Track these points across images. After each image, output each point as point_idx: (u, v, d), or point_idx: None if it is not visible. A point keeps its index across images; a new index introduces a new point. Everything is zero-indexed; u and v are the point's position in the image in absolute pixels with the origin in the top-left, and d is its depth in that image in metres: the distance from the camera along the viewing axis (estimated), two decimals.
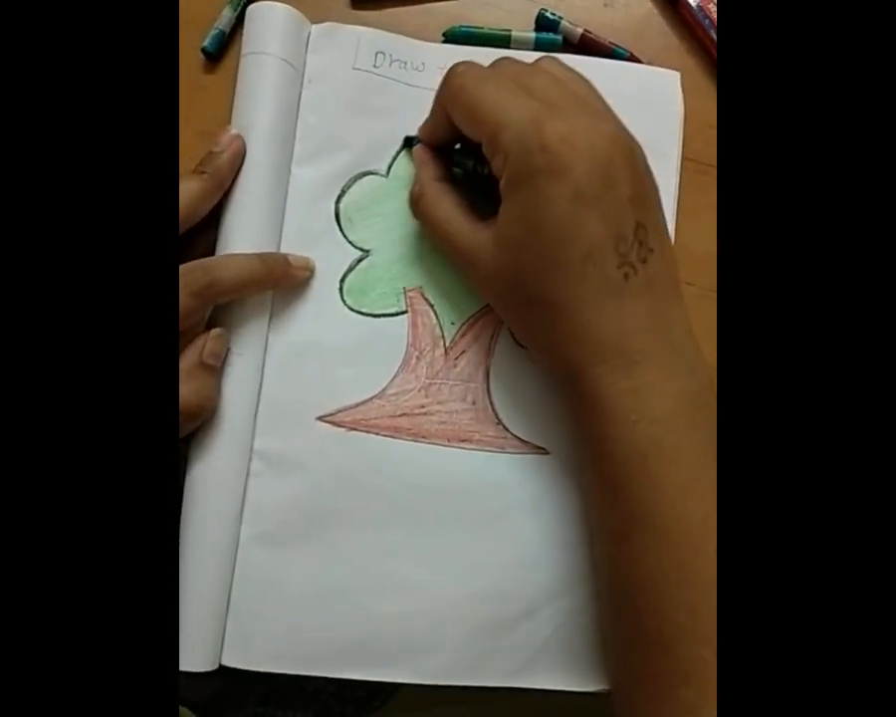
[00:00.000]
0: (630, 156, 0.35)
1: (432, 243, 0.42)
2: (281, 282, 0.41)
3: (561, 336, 0.35)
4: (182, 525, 0.40)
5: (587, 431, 0.36)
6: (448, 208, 0.39)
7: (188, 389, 0.37)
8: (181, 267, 0.37)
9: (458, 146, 0.42)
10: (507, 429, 0.42)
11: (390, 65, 0.44)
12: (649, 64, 0.47)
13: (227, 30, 0.46)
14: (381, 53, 0.44)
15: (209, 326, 0.40)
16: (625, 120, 0.40)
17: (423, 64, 0.45)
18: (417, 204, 0.40)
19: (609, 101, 0.40)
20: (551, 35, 0.47)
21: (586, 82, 0.38)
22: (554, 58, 0.39)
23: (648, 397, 0.34)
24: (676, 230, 0.44)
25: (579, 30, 0.47)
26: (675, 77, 0.46)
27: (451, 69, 0.38)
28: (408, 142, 0.44)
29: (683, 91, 0.46)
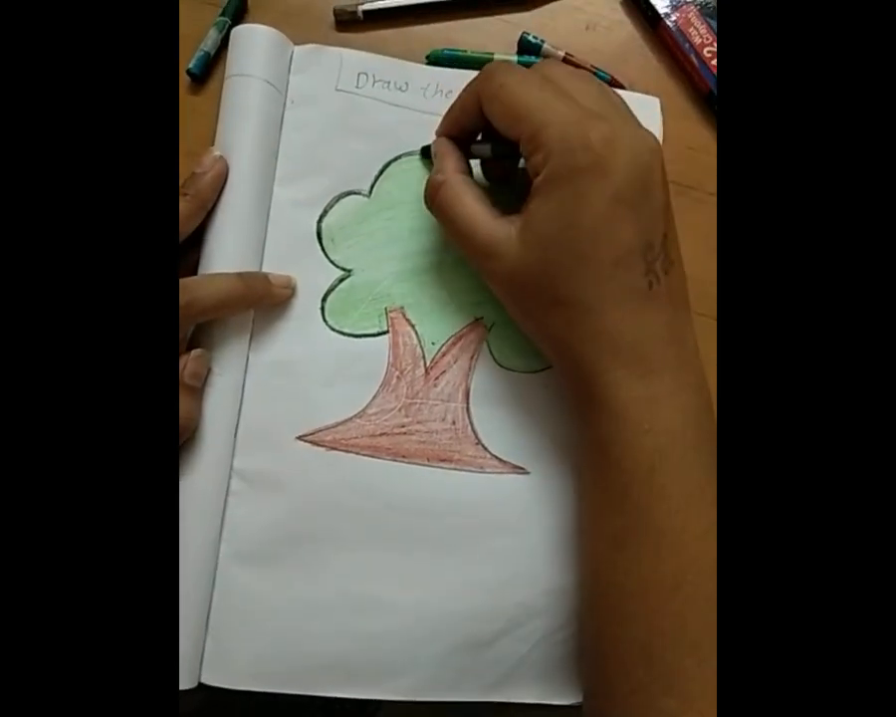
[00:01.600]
0: (664, 169, 0.37)
1: (449, 237, 0.42)
2: (262, 301, 0.42)
3: (581, 337, 0.36)
4: None
5: (595, 435, 0.37)
6: (470, 200, 0.39)
7: None
8: None
9: (479, 138, 0.43)
10: (486, 449, 0.44)
11: (373, 85, 0.46)
12: (630, 86, 0.49)
13: (212, 51, 0.48)
14: (364, 74, 0.46)
15: (190, 345, 0.41)
16: None
17: (406, 83, 0.46)
18: (437, 193, 0.40)
19: None
20: (533, 58, 0.48)
21: (620, 96, 0.39)
22: (588, 72, 0.40)
23: (661, 408, 0.35)
24: None
25: (561, 53, 0.48)
26: (655, 103, 0.47)
27: (491, 65, 0.39)
28: (425, 152, 0.45)
29: (664, 113, 0.48)
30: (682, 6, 0.49)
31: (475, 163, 0.43)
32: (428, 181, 0.41)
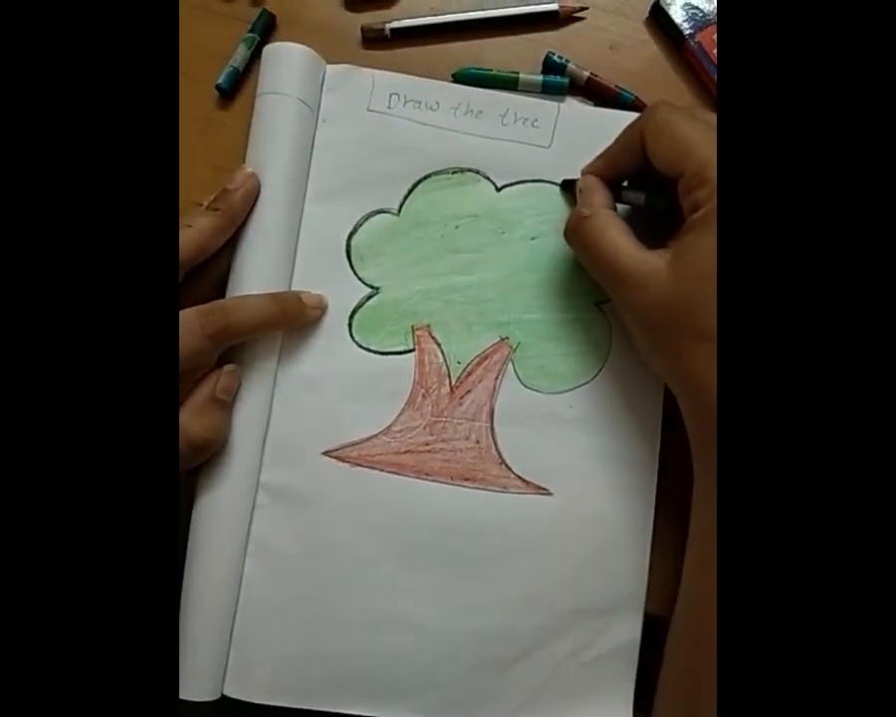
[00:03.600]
0: None
1: (589, 267, 0.43)
2: (295, 321, 0.44)
3: None
4: (188, 555, 0.43)
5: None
6: (616, 233, 0.41)
7: (200, 424, 0.40)
8: (199, 309, 0.40)
9: (625, 184, 0.44)
10: (510, 469, 0.45)
11: (404, 105, 0.48)
12: None
13: (241, 68, 0.50)
14: (396, 94, 0.48)
15: (220, 360, 0.43)
16: None
17: (437, 103, 0.48)
18: (581, 226, 0.42)
19: None
20: (558, 78, 0.50)
21: None
22: None
23: None
24: None
25: (586, 73, 0.50)
26: None
27: (655, 104, 0.41)
28: (566, 186, 0.47)
29: None
30: (706, 27, 0.50)
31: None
32: (572, 214, 0.43)
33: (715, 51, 0.50)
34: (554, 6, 0.51)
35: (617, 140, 0.43)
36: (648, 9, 0.52)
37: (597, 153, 0.45)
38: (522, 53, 0.51)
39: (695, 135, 0.38)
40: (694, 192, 0.38)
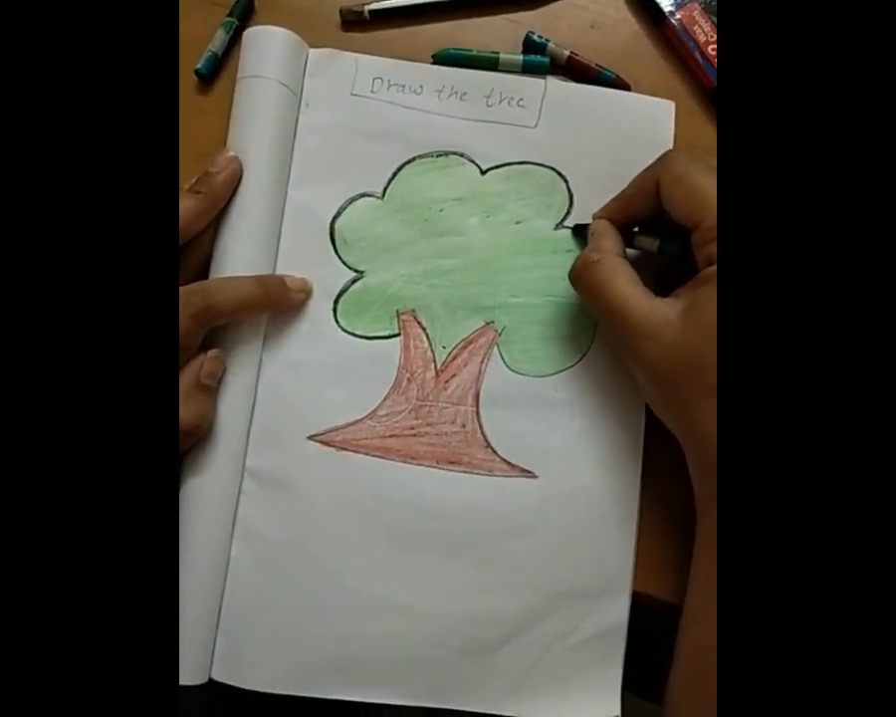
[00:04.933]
0: None
1: (595, 312, 0.44)
2: (279, 305, 0.45)
3: None
4: None
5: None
6: (625, 281, 0.41)
7: (186, 410, 0.41)
8: (182, 289, 0.41)
9: (636, 229, 0.45)
10: (495, 452, 0.46)
11: (388, 89, 0.49)
12: (635, 85, 0.51)
13: (220, 52, 0.50)
14: (379, 78, 0.49)
15: (205, 345, 0.43)
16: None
17: (421, 86, 0.49)
18: (589, 270, 0.42)
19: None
20: (538, 57, 0.50)
21: None
22: None
23: None
24: None
25: (566, 52, 0.51)
26: (669, 107, 0.50)
27: (670, 153, 0.42)
28: (578, 231, 0.48)
29: None
30: (686, 4, 0.51)
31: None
32: (579, 258, 0.44)
33: (695, 27, 0.50)
34: None
35: (631, 185, 0.44)
36: None
37: (582, 132, 0.46)
38: (502, 33, 0.52)
39: (712, 189, 0.38)
40: (709, 246, 0.38)
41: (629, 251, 0.44)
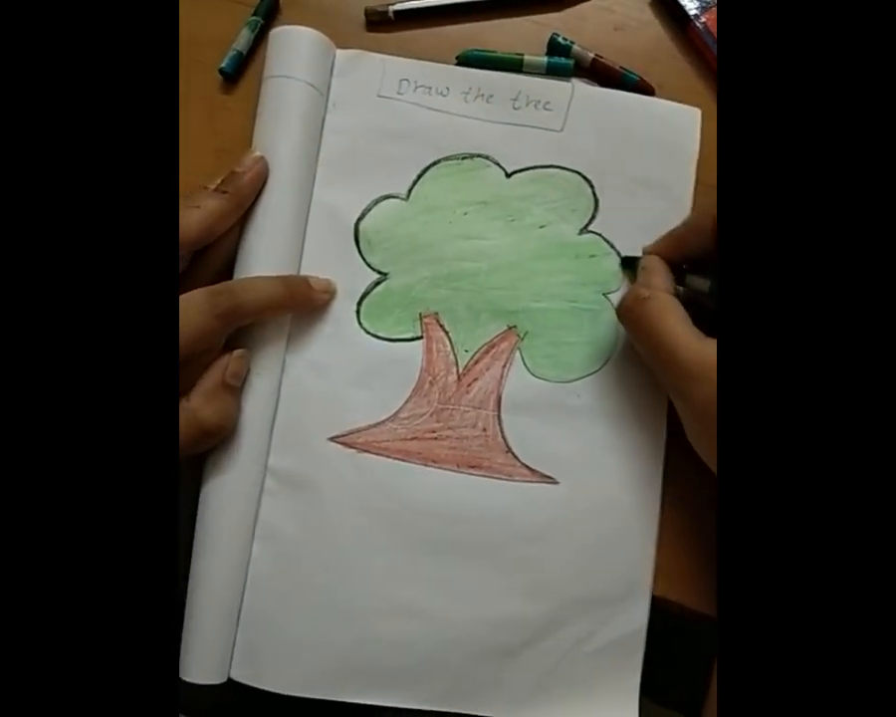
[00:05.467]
0: None
1: (644, 350, 0.43)
2: (303, 305, 0.46)
3: None
4: (196, 539, 0.44)
5: None
6: (676, 320, 0.40)
7: (210, 409, 0.41)
8: (208, 289, 0.41)
9: (685, 267, 0.45)
10: (516, 457, 0.46)
11: (415, 90, 0.49)
12: (659, 88, 0.51)
13: (245, 51, 0.51)
14: (406, 80, 0.49)
15: (229, 345, 0.44)
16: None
17: (448, 88, 0.49)
18: (640, 307, 0.42)
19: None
20: (562, 59, 0.51)
21: None
22: None
23: None
24: None
25: (591, 54, 0.51)
26: (695, 114, 0.50)
27: None
28: (627, 263, 0.48)
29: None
30: (711, 7, 0.51)
31: None
32: (629, 293, 0.43)
33: None
34: None
35: (686, 223, 0.44)
36: None
37: (609, 137, 0.47)
38: (526, 34, 0.52)
39: None
40: None
41: (678, 288, 0.44)
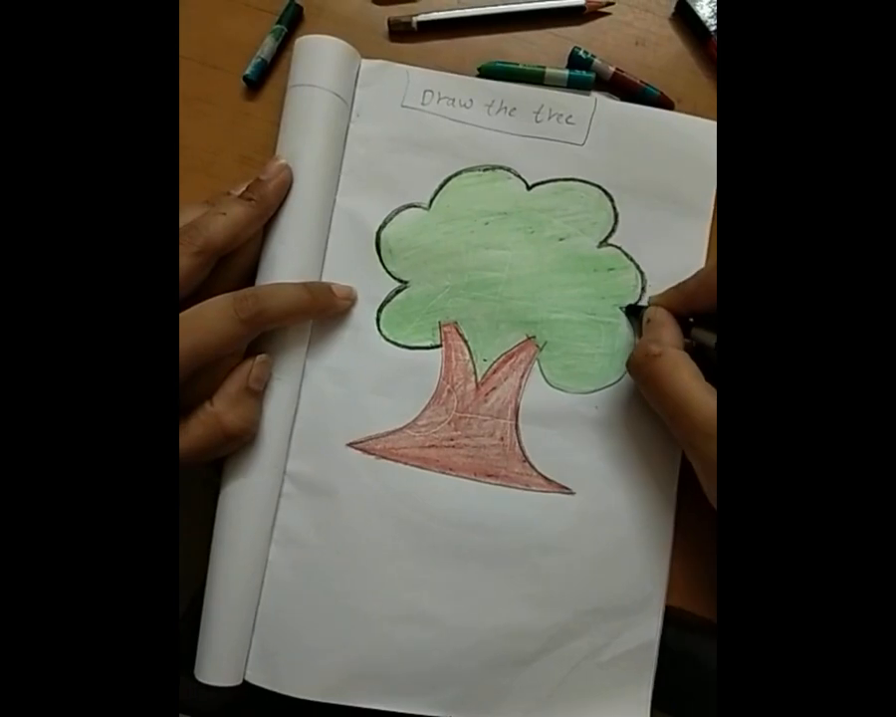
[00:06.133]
0: None
1: (656, 406, 0.43)
2: (325, 311, 0.47)
3: None
4: (214, 542, 0.45)
5: None
6: (688, 376, 0.41)
7: (234, 414, 0.42)
8: (233, 294, 0.42)
9: (692, 320, 0.45)
10: (533, 467, 0.47)
11: (438, 102, 0.50)
12: (678, 102, 0.52)
13: (269, 59, 0.52)
14: (430, 91, 0.50)
15: (251, 350, 0.45)
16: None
17: (471, 100, 0.50)
18: (651, 364, 0.42)
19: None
20: (583, 73, 0.52)
21: None
22: None
23: None
24: None
25: (612, 68, 0.52)
26: (712, 127, 0.50)
27: None
28: (632, 311, 0.48)
29: None
30: None
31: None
32: (639, 349, 0.44)
33: None
34: (580, 0, 0.53)
35: (696, 277, 0.44)
36: (674, 5, 0.54)
37: (630, 151, 0.47)
38: (547, 47, 0.53)
39: None
40: None
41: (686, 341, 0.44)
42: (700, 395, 0.40)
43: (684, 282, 0.45)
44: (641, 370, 0.43)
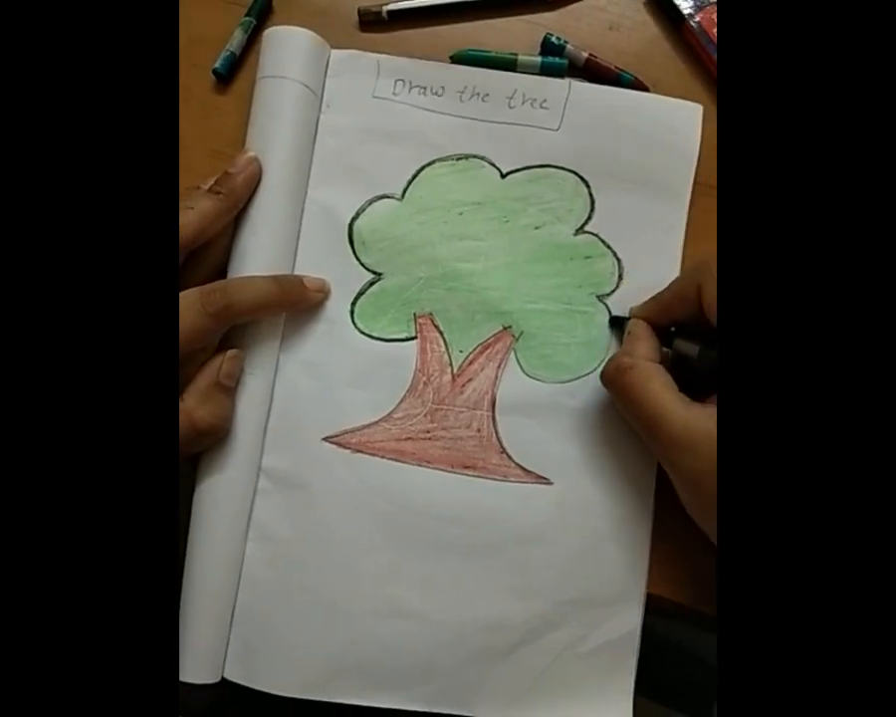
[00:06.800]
0: None
1: (630, 419, 0.43)
2: (297, 305, 0.46)
3: None
4: (189, 539, 0.45)
5: None
6: (660, 388, 0.40)
7: (204, 410, 0.42)
8: (200, 288, 0.42)
9: (673, 329, 0.45)
10: (510, 458, 0.47)
11: (409, 91, 0.50)
12: (654, 87, 0.51)
13: (238, 52, 0.52)
14: (401, 80, 0.50)
15: (223, 345, 0.45)
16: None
17: (443, 88, 0.50)
18: (622, 376, 0.42)
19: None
20: (556, 59, 0.51)
21: None
22: None
23: None
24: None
25: (585, 54, 0.52)
26: (696, 110, 0.50)
27: (711, 262, 0.40)
28: (615, 323, 0.48)
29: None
30: (705, 7, 0.52)
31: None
32: (611, 362, 0.44)
33: (713, 30, 0.51)
34: None
35: (671, 288, 0.44)
36: None
37: (607, 136, 0.48)
38: (520, 34, 0.53)
39: None
40: None
41: (665, 350, 0.45)
42: (673, 407, 0.40)
43: (660, 292, 0.45)
44: (614, 383, 0.43)
